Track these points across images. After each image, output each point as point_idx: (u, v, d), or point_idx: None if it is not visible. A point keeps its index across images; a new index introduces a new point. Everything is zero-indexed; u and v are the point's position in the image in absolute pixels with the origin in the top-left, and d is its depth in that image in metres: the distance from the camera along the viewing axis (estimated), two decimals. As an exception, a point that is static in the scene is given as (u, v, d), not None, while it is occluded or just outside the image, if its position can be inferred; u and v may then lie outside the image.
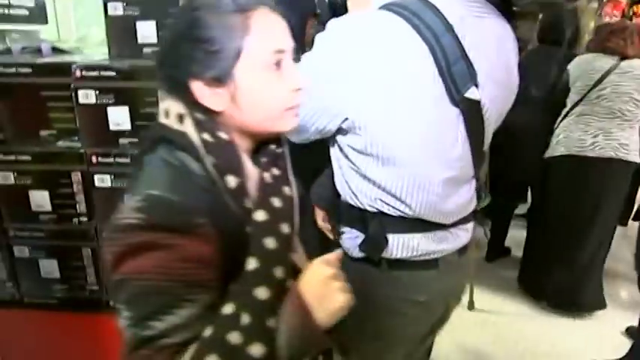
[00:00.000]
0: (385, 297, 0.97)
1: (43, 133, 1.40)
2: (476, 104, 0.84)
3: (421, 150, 0.86)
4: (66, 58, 1.62)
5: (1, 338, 1.54)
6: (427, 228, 0.93)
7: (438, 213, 0.93)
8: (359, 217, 0.95)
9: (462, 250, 1.03)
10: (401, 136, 0.85)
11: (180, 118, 0.68)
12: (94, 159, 1.34)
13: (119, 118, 1.31)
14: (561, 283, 2.49)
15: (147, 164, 0.69)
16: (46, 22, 2.61)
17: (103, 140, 1.33)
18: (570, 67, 2.35)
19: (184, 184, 0.65)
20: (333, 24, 0.86)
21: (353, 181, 0.93)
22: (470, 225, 1.04)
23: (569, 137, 2.35)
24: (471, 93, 0.82)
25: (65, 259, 1.44)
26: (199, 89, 0.66)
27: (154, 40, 1.43)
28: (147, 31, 1.43)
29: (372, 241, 0.93)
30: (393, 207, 0.91)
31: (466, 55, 0.81)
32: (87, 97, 1.30)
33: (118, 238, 0.63)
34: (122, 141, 1.32)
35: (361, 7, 0.93)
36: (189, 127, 0.67)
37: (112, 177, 1.34)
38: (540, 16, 2.70)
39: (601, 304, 2.53)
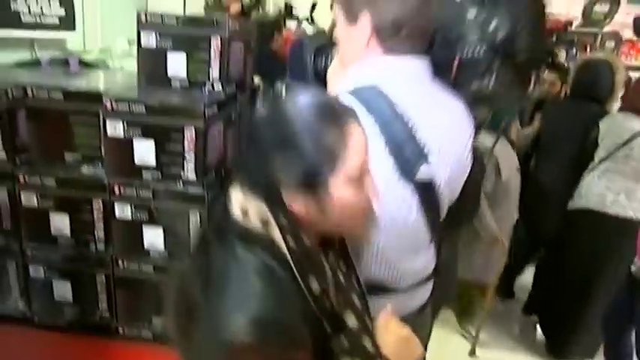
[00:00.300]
0: None
1: (68, 156, 1.41)
2: (428, 182, 0.89)
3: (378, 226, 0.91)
4: (95, 85, 1.64)
5: (8, 355, 1.55)
6: (387, 292, 0.98)
7: (393, 276, 0.97)
8: None
9: (421, 308, 1.08)
10: None
11: (265, 222, 0.68)
12: (116, 189, 1.35)
13: (145, 151, 1.32)
14: (565, 335, 2.48)
15: (232, 271, 0.67)
16: (74, 30, 2.65)
17: (127, 172, 1.34)
18: (601, 123, 2.35)
19: (283, 297, 0.65)
20: None
21: None
22: (429, 284, 1.08)
23: (591, 191, 2.34)
24: (422, 173, 0.86)
25: (79, 283, 1.45)
26: (290, 197, 0.67)
27: (184, 73, 1.45)
28: (177, 63, 1.45)
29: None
30: None
31: (415, 137, 0.86)
32: (115, 128, 1.31)
33: (230, 357, 0.63)
34: (146, 174, 1.34)
35: (337, 82, 1.01)
36: (275, 233, 0.67)
37: (133, 208, 1.36)
38: (572, 70, 2.70)
39: (590, 354, 2.53)
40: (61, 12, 2.50)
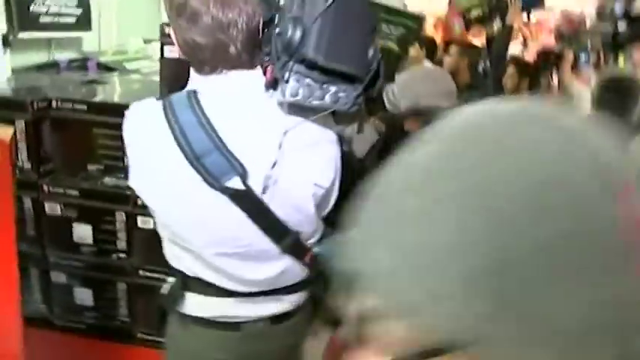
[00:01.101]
0: (194, 352, 1.03)
1: (91, 167, 1.44)
2: (244, 191, 0.87)
3: (194, 230, 0.91)
4: (116, 94, 1.67)
5: (28, 354, 1.59)
6: (223, 294, 0.98)
7: (230, 282, 0.97)
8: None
9: (277, 319, 1.05)
10: (173, 218, 0.92)
11: None
12: (139, 201, 1.38)
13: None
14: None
15: None
16: (90, 29, 2.67)
17: (150, 184, 1.37)
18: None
19: None
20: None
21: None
22: (288, 297, 1.05)
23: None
24: (233, 182, 0.85)
25: (100, 290, 1.49)
26: None
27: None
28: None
29: (170, 297, 1.02)
30: (190, 270, 0.98)
31: (224, 147, 0.85)
32: (138, 142, 1.34)
33: None
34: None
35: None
36: None
37: (155, 219, 1.38)
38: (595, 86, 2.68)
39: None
40: (78, 11, 2.52)
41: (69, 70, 2.15)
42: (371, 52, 0.84)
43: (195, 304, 1.00)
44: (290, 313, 1.06)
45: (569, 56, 3.10)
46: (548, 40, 6.39)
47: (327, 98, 0.81)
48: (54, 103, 1.40)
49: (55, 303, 1.54)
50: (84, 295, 1.50)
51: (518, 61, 3.09)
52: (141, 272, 1.44)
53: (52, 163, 1.45)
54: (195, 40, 0.84)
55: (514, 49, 10.20)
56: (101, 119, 1.40)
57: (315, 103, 0.81)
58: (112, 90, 1.78)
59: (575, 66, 3.21)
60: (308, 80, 0.80)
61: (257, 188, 0.88)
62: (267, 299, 1.02)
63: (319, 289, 1.09)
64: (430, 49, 3.31)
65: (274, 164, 0.88)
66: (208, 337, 1.02)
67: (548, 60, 3.42)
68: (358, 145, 1.05)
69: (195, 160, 0.84)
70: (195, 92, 0.87)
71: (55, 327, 1.56)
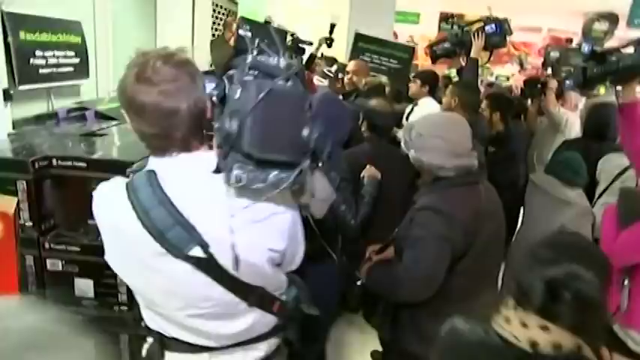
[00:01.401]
0: None
1: (92, 221, 1.47)
2: (206, 259, 0.94)
3: (165, 296, 0.99)
4: (114, 148, 1.71)
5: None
6: (199, 350, 1.05)
7: (205, 339, 1.04)
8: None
9: None
10: (145, 287, 1.01)
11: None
12: (138, 254, 1.41)
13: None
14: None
15: None
16: (88, 77, 2.74)
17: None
18: (599, 162, 2.43)
19: None
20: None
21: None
22: (261, 345, 1.12)
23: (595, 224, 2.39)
24: (195, 252, 0.92)
25: (102, 343, 1.50)
26: None
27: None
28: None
29: (149, 357, 1.09)
30: (166, 331, 1.05)
31: (185, 221, 0.92)
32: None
33: None
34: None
35: None
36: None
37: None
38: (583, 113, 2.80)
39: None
40: (76, 60, 2.59)
41: (68, 121, 2.20)
42: (305, 132, 0.89)
43: None
44: (265, 359, 1.13)
45: (553, 84, 3.17)
46: (537, 62, 6.51)
47: (270, 180, 0.88)
48: (54, 162, 1.44)
49: (57, 357, 1.55)
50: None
51: (490, 95, 3.20)
52: (142, 324, 1.46)
53: (52, 220, 1.48)
54: (143, 130, 0.92)
55: (508, 70, 10.29)
56: (101, 175, 1.43)
57: (260, 186, 0.88)
58: (111, 142, 1.83)
59: (560, 93, 3.27)
60: (250, 167, 0.86)
61: (219, 256, 0.94)
62: (241, 350, 1.09)
63: (291, 333, 1.18)
64: (431, 84, 3.29)
65: (232, 233, 0.95)
66: None
67: (534, 87, 3.51)
68: (315, 207, 1.13)
69: (158, 236, 0.90)
70: (154, 172, 0.94)
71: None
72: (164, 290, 0.98)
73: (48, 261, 1.45)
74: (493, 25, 2.86)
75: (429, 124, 1.50)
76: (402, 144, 1.53)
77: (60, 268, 1.46)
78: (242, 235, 0.95)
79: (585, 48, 1.68)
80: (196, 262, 0.93)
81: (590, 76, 1.65)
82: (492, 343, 0.90)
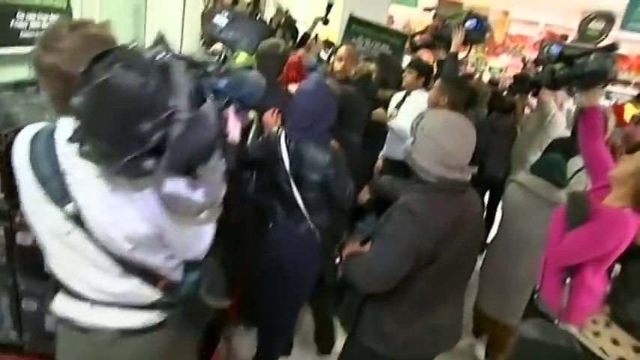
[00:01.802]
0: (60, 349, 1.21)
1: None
2: (77, 216, 1.01)
3: (54, 241, 1.07)
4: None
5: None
6: (83, 299, 1.11)
7: (89, 290, 1.10)
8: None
9: (127, 333, 1.14)
10: (40, 231, 1.09)
11: None
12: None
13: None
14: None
15: None
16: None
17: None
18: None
19: None
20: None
21: None
22: (132, 312, 1.14)
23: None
24: (70, 207, 1.00)
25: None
26: None
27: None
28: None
29: (47, 298, 1.17)
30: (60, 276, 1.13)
31: (61, 176, 1.00)
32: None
33: None
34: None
35: None
36: None
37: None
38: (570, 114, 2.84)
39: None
40: (60, 26, 2.51)
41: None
42: (145, 128, 0.84)
43: (57, 307, 1.15)
44: (141, 330, 1.15)
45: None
46: (532, 55, 6.51)
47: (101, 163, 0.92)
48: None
49: (25, 329, 1.55)
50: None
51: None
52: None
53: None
54: (47, 91, 1.03)
55: (502, 61, 10.23)
56: (75, 151, 1.42)
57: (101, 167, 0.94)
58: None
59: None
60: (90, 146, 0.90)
61: (90, 219, 1.01)
62: (118, 311, 1.12)
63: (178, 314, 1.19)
64: (427, 77, 3.18)
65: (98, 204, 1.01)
66: (65, 336, 1.19)
67: (523, 84, 3.53)
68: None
69: (43, 184, 1.00)
70: (55, 127, 1.03)
71: (25, 352, 1.57)
72: (54, 236, 1.06)
73: (18, 234, 1.44)
74: (474, 21, 2.86)
75: (435, 122, 1.41)
76: (409, 129, 1.47)
77: (29, 242, 1.44)
78: (103, 208, 1.00)
79: (554, 50, 1.73)
80: (71, 217, 1.00)
81: (557, 77, 1.70)
82: (575, 351, 0.94)
